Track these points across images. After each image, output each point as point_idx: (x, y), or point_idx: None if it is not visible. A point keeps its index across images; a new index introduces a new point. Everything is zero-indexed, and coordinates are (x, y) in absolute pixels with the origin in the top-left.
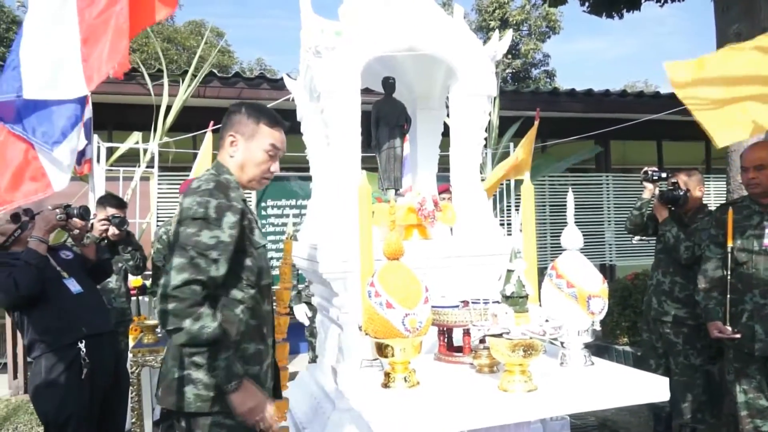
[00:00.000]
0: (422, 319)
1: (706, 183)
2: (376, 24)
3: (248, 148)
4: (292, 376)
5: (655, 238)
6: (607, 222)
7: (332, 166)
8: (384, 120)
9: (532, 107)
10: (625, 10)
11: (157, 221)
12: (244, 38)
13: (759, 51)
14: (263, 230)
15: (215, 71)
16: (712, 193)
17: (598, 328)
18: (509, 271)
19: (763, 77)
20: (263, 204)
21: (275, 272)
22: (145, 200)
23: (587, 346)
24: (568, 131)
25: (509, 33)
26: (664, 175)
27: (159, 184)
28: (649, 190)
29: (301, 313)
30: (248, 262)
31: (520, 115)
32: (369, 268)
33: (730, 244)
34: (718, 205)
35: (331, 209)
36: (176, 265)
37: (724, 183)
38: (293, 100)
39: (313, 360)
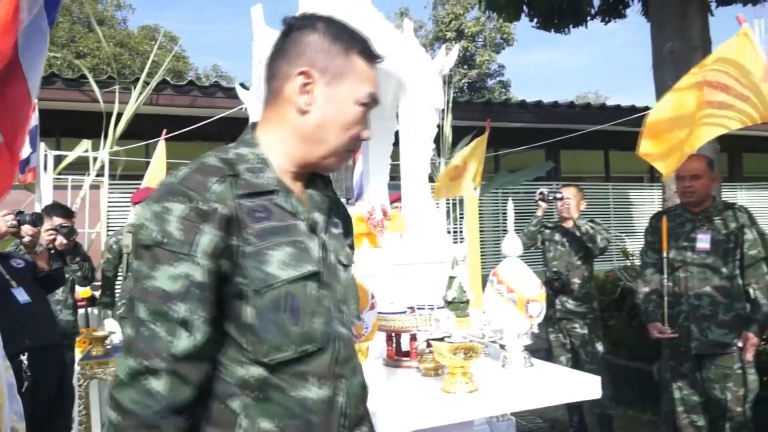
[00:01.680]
0: (368, 325)
1: (650, 191)
2: None
3: (333, 98)
4: None
5: (542, 249)
6: None
7: None
8: None
9: (485, 118)
10: (572, 26)
11: (108, 231)
12: (200, 44)
13: (678, 92)
14: None
15: (168, 79)
16: (656, 201)
17: (536, 330)
18: (451, 278)
19: (687, 113)
20: None
21: None
22: (94, 209)
23: (528, 348)
24: (520, 141)
25: (456, 48)
26: (559, 195)
27: (110, 192)
28: (542, 209)
29: None
30: (248, 314)
31: (473, 125)
32: None
33: (665, 251)
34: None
35: None
36: (124, 339)
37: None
38: (246, 110)
39: None
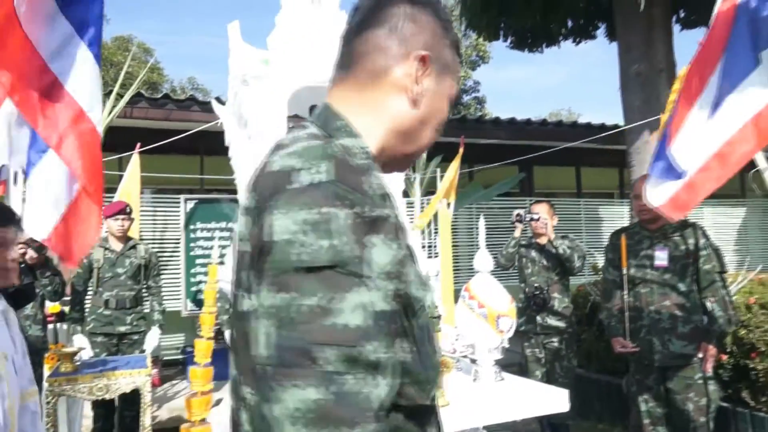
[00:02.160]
0: None
1: (620, 207)
2: (302, 54)
3: (438, 92)
4: (218, 402)
5: (517, 266)
6: None
7: None
8: None
9: (459, 134)
10: (544, 46)
11: None
12: (176, 55)
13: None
14: (191, 254)
15: (143, 92)
16: (626, 217)
17: (507, 345)
18: None
19: None
20: (192, 226)
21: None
22: None
23: (500, 363)
24: (494, 157)
25: None
26: (536, 217)
27: None
28: (519, 230)
29: None
30: (403, 350)
31: (448, 141)
32: None
33: (624, 267)
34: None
35: None
36: (302, 408)
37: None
38: (222, 125)
39: None
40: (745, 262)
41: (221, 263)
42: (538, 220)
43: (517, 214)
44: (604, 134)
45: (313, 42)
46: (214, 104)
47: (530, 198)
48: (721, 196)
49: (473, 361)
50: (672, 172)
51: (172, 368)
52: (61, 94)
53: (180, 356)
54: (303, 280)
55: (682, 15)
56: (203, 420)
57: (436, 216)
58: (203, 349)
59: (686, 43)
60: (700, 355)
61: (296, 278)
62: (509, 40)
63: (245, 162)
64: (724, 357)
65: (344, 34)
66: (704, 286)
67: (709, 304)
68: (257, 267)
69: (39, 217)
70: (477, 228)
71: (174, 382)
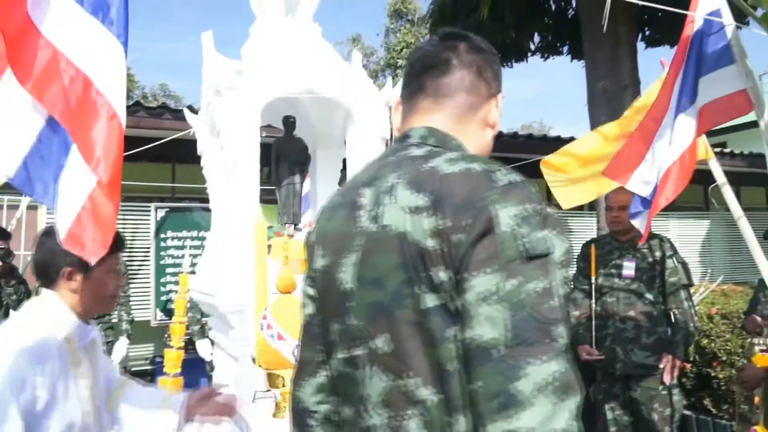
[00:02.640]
0: None
1: (589, 219)
2: (276, 66)
3: None
4: None
5: None
6: None
7: (231, 201)
8: (284, 157)
9: None
10: (514, 61)
11: None
12: (148, 62)
13: (600, 134)
14: (161, 262)
15: None
16: (594, 230)
17: None
18: None
19: (599, 156)
20: (162, 235)
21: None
22: (31, 231)
23: None
24: None
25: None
26: None
27: (48, 214)
28: None
29: (204, 348)
30: None
31: None
32: (263, 301)
33: (593, 276)
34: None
35: (229, 243)
36: (548, 379)
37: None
38: (194, 134)
39: None
40: (707, 273)
41: (192, 272)
42: None
43: None
44: None
45: (286, 53)
46: (187, 113)
47: None
48: (686, 209)
49: None
50: (645, 201)
51: (141, 379)
52: (88, 87)
53: (149, 367)
54: (527, 266)
55: (647, 33)
56: None
57: None
58: (173, 359)
59: (651, 61)
60: (662, 366)
61: (522, 265)
62: None
63: (217, 170)
64: (687, 366)
65: (421, 68)
66: (669, 298)
67: (673, 316)
68: (466, 258)
69: (61, 219)
70: None
71: None
